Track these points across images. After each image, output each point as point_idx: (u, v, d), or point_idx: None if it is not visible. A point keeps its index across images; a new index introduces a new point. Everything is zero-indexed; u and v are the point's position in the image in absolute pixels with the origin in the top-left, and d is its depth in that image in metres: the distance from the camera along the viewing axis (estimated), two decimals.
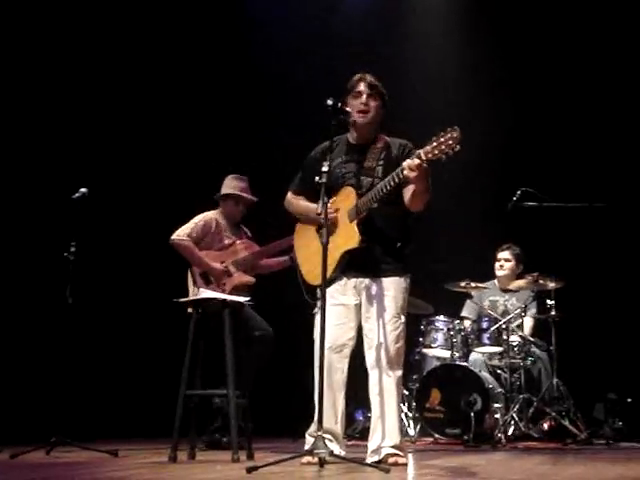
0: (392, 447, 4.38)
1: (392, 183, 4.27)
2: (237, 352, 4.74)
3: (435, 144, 4.06)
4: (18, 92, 7.22)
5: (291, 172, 4.98)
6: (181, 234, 6.05)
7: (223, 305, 4.81)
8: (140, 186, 7.65)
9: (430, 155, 4.07)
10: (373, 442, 4.42)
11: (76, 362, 5.72)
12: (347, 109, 4.44)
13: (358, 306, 4.51)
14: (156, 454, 5.23)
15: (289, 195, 4.83)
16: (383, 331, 4.40)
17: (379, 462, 4.28)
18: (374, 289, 4.46)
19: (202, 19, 8.16)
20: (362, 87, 4.55)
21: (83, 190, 5.53)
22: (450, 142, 4.02)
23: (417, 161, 4.10)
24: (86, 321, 6.35)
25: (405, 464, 4.32)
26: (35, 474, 4.19)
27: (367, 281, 4.49)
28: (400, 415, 4.53)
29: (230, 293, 5.81)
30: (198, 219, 6.11)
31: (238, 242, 6.15)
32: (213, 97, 8.13)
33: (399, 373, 4.45)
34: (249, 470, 3.83)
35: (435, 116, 7.89)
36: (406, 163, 4.14)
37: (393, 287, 4.46)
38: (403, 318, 4.48)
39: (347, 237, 4.38)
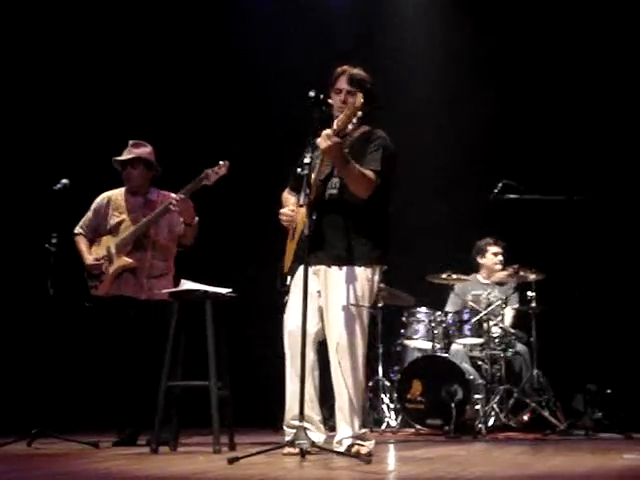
0: (353, 437, 4.35)
1: (321, 163, 4.40)
2: (219, 343, 4.74)
3: (344, 112, 4.29)
4: None
5: (277, 164, 5.00)
6: (78, 225, 5.79)
7: (205, 296, 4.81)
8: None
9: (340, 123, 4.28)
10: (337, 433, 4.41)
11: (57, 354, 5.70)
12: (329, 101, 4.46)
13: (320, 293, 4.50)
14: (137, 445, 5.24)
15: (285, 192, 4.86)
16: (337, 320, 4.37)
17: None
18: (330, 277, 4.45)
19: (189, 13, 8.13)
20: (342, 83, 4.55)
21: (64, 181, 5.50)
22: (352, 109, 4.24)
23: (327, 130, 4.24)
24: (67, 312, 6.31)
25: (368, 454, 4.22)
26: (16, 466, 4.19)
27: (323, 268, 4.48)
28: (360, 404, 4.41)
29: (112, 283, 5.57)
30: (94, 203, 5.83)
31: (127, 219, 5.66)
32: (197, 89, 8.09)
33: (354, 364, 4.36)
34: (230, 461, 3.85)
35: (417, 110, 7.93)
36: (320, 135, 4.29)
37: (351, 276, 4.41)
38: (359, 309, 4.40)
39: (301, 223, 4.39)
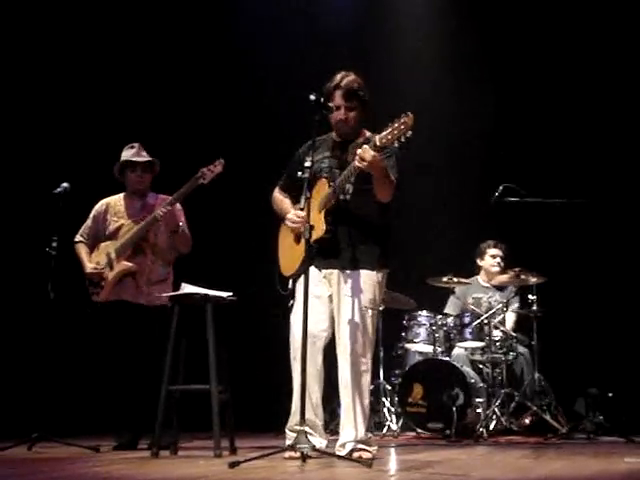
0: (357, 442, 4.35)
1: (348, 174, 4.33)
2: (219, 347, 4.73)
3: (390, 129, 4.12)
4: None
5: (276, 167, 5.00)
6: (78, 233, 5.77)
7: (205, 300, 4.79)
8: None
9: (384, 140, 4.13)
10: (341, 437, 4.42)
11: (58, 357, 5.69)
12: (330, 104, 4.45)
13: (331, 297, 4.51)
14: (138, 450, 5.23)
15: (276, 191, 4.86)
16: (349, 323, 4.38)
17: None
18: (343, 281, 4.46)
19: (188, 14, 8.14)
20: (339, 99, 4.50)
21: (65, 185, 5.50)
22: (402, 127, 4.08)
23: (365, 147, 4.16)
24: (68, 316, 6.31)
25: (370, 458, 4.21)
26: (16, 470, 4.18)
27: (336, 272, 4.49)
28: (366, 408, 4.43)
29: (113, 288, 5.54)
30: (92, 211, 5.79)
31: (125, 223, 5.65)
32: (196, 91, 8.10)
33: (365, 367, 4.40)
34: (231, 465, 3.84)
35: (417, 112, 7.91)
36: (358, 152, 4.19)
37: (362, 280, 4.44)
38: (371, 312, 4.44)
39: (315, 227, 4.38)
